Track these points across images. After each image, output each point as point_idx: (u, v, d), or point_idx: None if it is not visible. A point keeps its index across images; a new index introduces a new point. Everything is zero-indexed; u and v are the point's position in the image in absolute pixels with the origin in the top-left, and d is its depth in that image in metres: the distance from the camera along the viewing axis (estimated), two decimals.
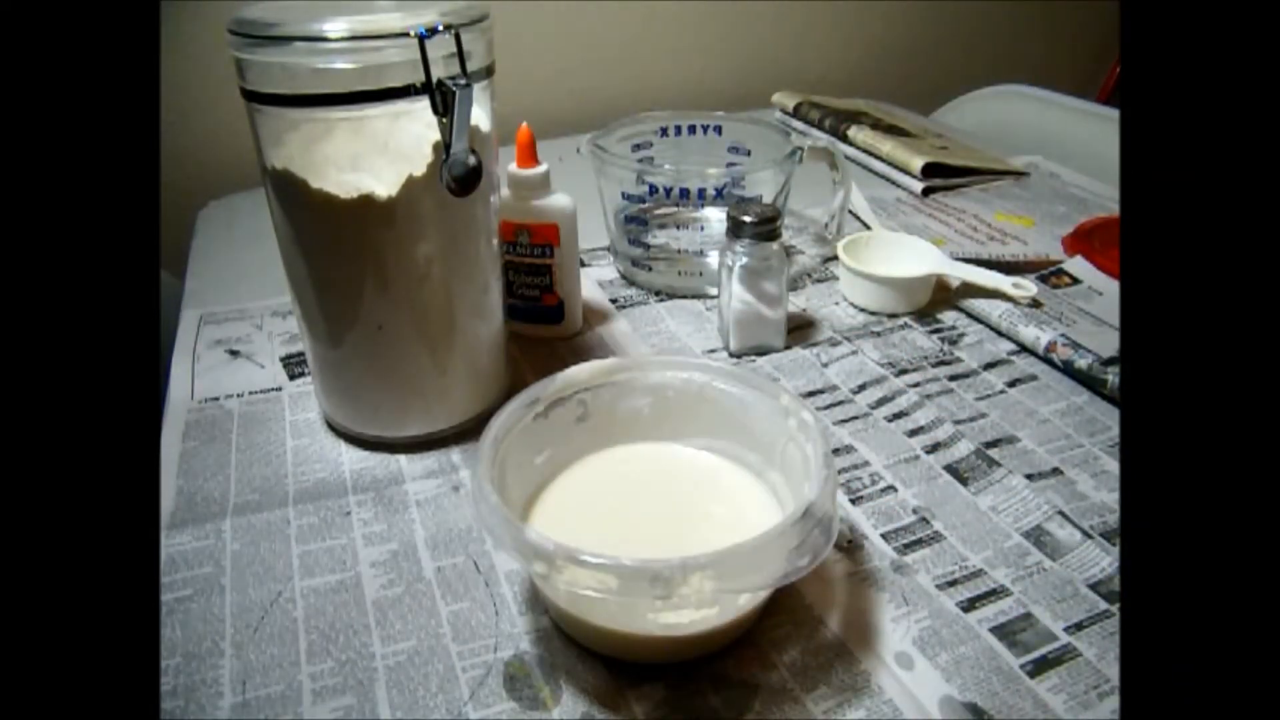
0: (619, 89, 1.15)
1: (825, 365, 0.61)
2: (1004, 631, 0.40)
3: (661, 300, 0.70)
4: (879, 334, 0.64)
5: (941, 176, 0.90)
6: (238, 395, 0.58)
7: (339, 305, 0.48)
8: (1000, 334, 0.64)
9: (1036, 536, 0.45)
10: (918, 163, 0.90)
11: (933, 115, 1.18)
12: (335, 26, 0.41)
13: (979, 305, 0.65)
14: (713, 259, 0.68)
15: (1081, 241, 0.76)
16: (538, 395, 0.44)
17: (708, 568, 0.33)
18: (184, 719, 0.37)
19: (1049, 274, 0.71)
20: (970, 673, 0.38)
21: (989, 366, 0.60)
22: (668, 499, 0.44)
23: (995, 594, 0.42)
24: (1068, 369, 0.57)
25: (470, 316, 0.51)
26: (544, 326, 0.63)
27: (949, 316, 0.67)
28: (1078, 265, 0.72)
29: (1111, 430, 0.53)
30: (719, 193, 0.66)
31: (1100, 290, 0.69)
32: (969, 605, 0.41)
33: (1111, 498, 0.48)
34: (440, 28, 0.42)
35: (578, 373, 0.45)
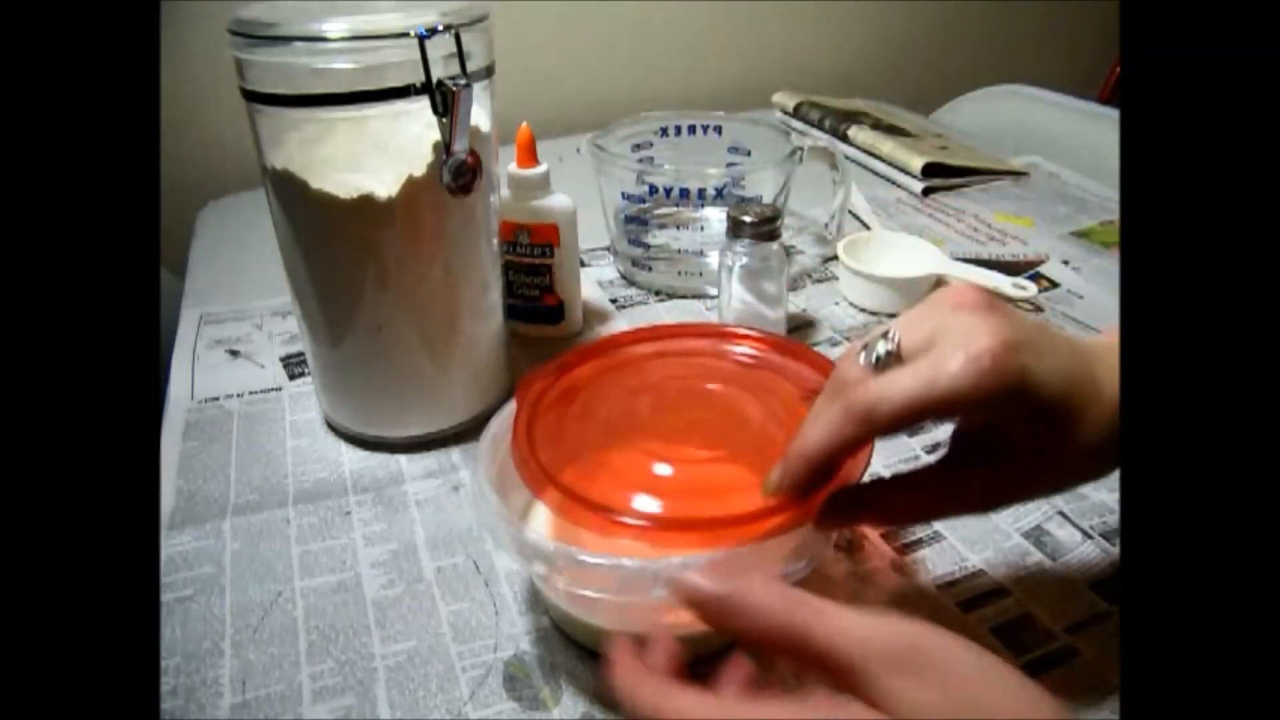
0: (619, 89, 1.15)
1: None
2: (1004, 631, 0.40)
3: (661, 300, 0.70)
4: None
5: (941, 176, 0.90)
6: (238, 395, 0.58)
7: (339, 305, 0.48)
8: None
9: (1036, 536, 0.45)
10: (918, 163, 0.90)
11: (933, 115, 1.18)
12: (335, 26, 0.41)
13: None
14: (713, 259, 0.68)
15: None
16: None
17: (707, 568, 0.33)
18: (184, 719, 0.37)
19: (1029, 277, 0.70)
20: None
21: None
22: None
23: (995, 594, 0.42)
24: None
25: (470, 317, 0.51)
26: (544, 326, 0.63)
27: None
28: (1054, 268, 0.72)
29: None
30: (719, 193, 0.66)
31: (1080, 294, 0.69)
32: (969, 605, 0.41)
33: (1111, 498, 0.48)
34: (440, 28, 0.42)
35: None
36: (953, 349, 0.27)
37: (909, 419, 0.28)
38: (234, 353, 0.63)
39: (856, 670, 0.24)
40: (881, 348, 0.29)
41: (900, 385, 0.28)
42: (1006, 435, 0.30)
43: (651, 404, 0.42)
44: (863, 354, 0.30)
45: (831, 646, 0.24)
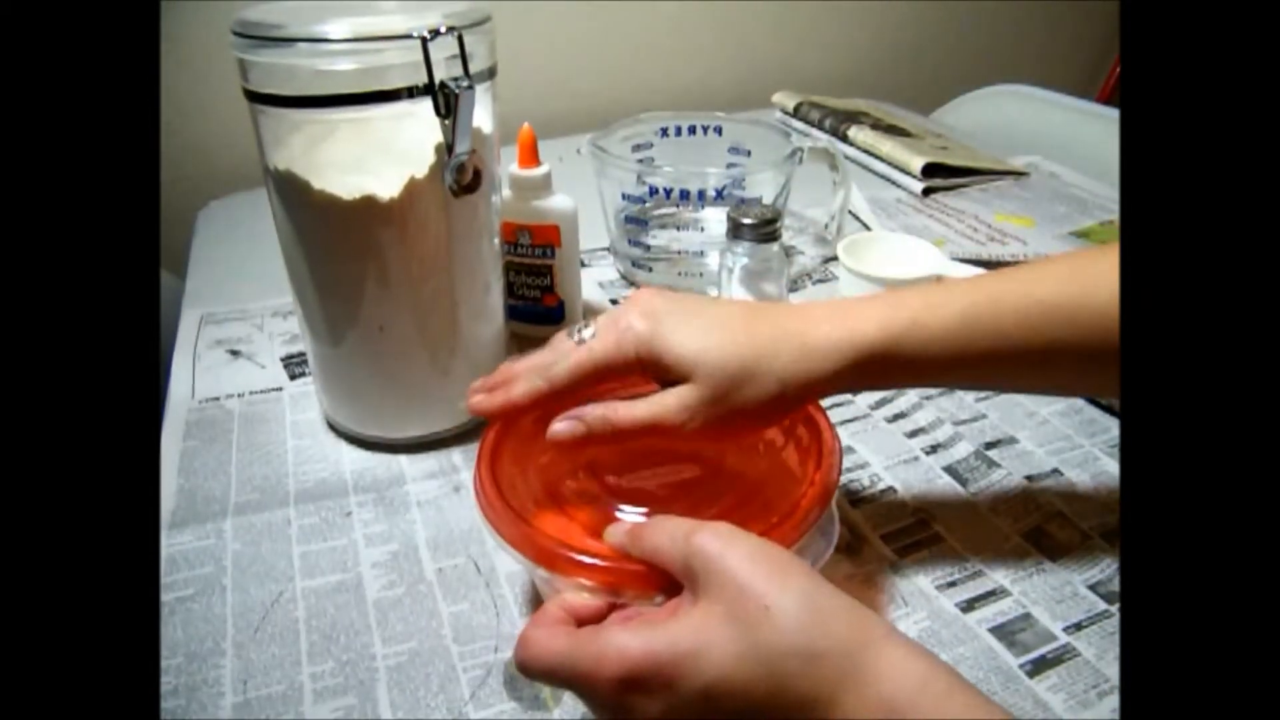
0: (619, 89, 1.15)
1: None
2: (1003, 632, 0.40)
3: None
4: None
5: (941, 176, 0.90)
6: (238, 395, 0.58)
7: (340, 306, 0.48)
8: None
9: (1036, 537, 0.45)
10: (918, 163, 0.90)
11: (933, 115, 1.18)
12: (338, 28, 0.41)
13: None
14: (713, 260, 0.68)
15: None
16: None
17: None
18: (185, 719, 0.37)
19: None
20: (969, 672, 0.38)
21: None
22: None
23: (995, 594, 0.42)
24: None
25: (471, 317, 0.51)
26: (545, 327, 0.63)
27: None
28: None
29: (1111, 431, 0.53)
30: (719, 194, 0.66)
31: None
32: (968, 606, 0.41)
33: (1111, 498, 0.48)
34: (443, 29, 0.42)
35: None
36: (604, 330, 0.38)
37: (583, 379, 0.38)
38: (235, 353, 0.63)
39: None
40: (586, 332, 0.38)
41: (577, 358, 0.38)
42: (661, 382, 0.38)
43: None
44: (572, 332, 0.39)
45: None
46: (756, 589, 0.29)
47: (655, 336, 0.37)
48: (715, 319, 0.38)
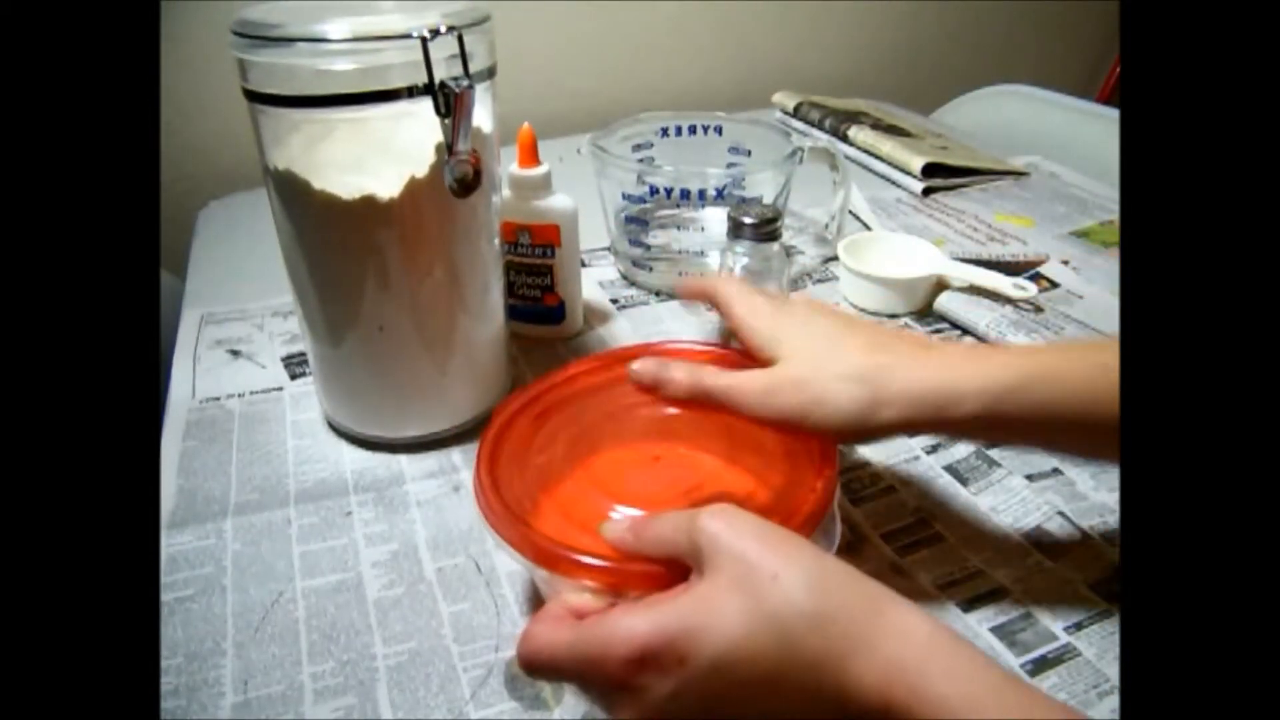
0: (620, 89, 1.15)
1: None
2: (1004, 631, 0.40)
3: (662, 300, 0.70)
4: None
5: (941, 176, 0.90)
6: (238, 395, 0.58)
7: (340, 306, 0.48)
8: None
9: (1036, 537, 0.45)
10: (918, 163, 0.90)
11: (933, 115, 1.18)
12: (338, 28, 0.41)
13: (966, 315, 0.65)
14: (713, 259, 0.68)
15: None
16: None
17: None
18: (185, 719, 0.37)
19: (1029, 277, 0.70)
20: None
21: None
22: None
23: (995, 594, 0.42)
24: None
25: (471, 317, 0.51)
26: (545, 327, 0.63)
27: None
28: (1054, 269, 0.72)
29: None
30: (719, 193, 0.66)
31: (1080, 294, 0.69)
32: (969, 605, 0.41)
33: (1111, 498, 0.48)
34: (443, 29, 0.42)
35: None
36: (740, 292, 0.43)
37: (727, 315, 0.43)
38: (235, 353, 0.63)
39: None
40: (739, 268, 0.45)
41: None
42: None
43: (613, 431, 0.44)
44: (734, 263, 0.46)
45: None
46: (764, 560, 0.29)
47: (749, 329, 0.41)
48: (830, 327, 0.41)
